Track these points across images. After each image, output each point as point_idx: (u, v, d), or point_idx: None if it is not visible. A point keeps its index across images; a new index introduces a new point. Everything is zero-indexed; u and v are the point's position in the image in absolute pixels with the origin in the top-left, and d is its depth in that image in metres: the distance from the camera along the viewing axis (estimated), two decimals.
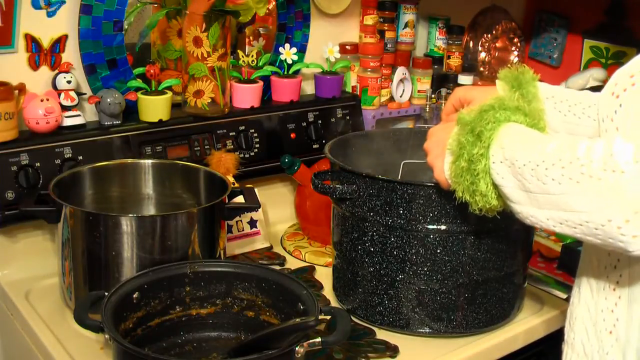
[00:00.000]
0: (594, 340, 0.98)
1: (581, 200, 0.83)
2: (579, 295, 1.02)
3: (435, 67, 2.01)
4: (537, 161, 0.88)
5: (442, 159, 1.06)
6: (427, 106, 1.95)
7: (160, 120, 1.50)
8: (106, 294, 1.06)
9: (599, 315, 0.97)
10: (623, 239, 0.82)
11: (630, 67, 0.86)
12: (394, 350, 1.22)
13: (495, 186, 0.97)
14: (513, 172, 0.92)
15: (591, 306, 0.99)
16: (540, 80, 1.17)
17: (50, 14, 1.41)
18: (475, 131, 0.98)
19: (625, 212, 0.80)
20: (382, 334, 1.27)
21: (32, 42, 1.40)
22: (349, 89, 1.86)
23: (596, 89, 1.92)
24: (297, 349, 0.98)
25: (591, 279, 0.99)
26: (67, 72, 1.43)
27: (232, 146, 1.57)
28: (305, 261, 1.54)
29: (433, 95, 1.96)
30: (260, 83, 1.65)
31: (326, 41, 1.77)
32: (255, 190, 1.40)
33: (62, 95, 1.41)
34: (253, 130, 1.61)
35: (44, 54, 1.42)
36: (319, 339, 1.00)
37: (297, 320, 1.01)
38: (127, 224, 1.19)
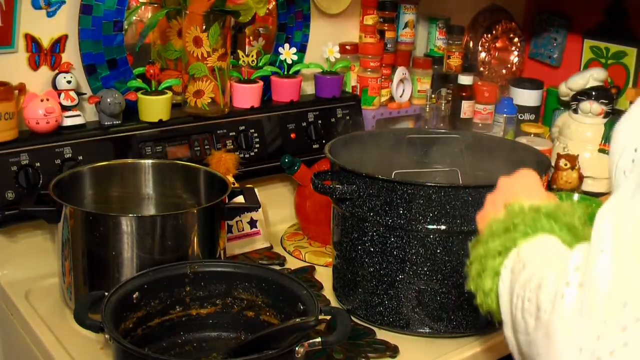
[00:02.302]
0: None
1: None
2: None
3: (435, 67, 2.01)
4: (530, 278, 0.75)
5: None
6: (427, 106, 1.95)
7: (160, 120, 1.50)
8: (106, 294, 1.06)
9: None
10: None
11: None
12: (394, 350, 1.22)
13: None
14: (512, 286, 0.80)
15: None
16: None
17: (50, 14, 1.41)
18: (505, 225, 0.87)
19: None
20: (382, 334, 1.27)
21: (32, 42, 1.40)
22: (349, 89, 1.86)
23: (596, 88, 1.93)
24: (297, 349, 0.98)
25: None
26: (67, 72, 1.43)
27: (232, 146, 1.57)
28: (305, 261, 1.54)
29: (433, 95, 1.96)
30: (260, 83, 1.65)
31: (326, 41, 1.77)
32: (255, 190, 1.40)
33: (62, 95, 1.41)
34: (253, 130, 1.61)
35: (44, 54, 1.42)
36: (319, 339, 1.00)
37: (297, 320, 1.01)
38: (127, 224, 1.19)
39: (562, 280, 0.67)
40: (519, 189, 0.93)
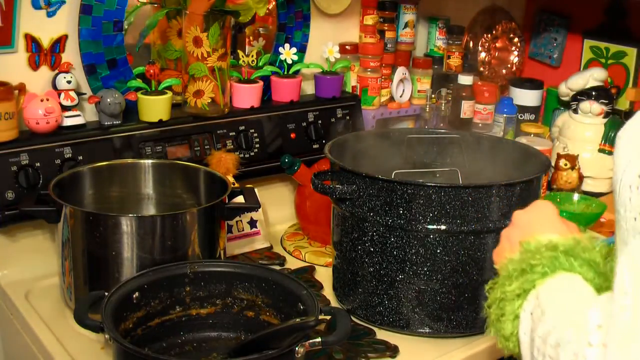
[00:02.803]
0: None
1: None
2: None
3: (435, 67, 2.01)
4: (549, 332, 0.71)
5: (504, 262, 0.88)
6: (427, 106, 1.95)
7: (160, 120, 1.50)
8: (106, 294, 1.06)
9: None
10: None
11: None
12: (394, 350, 1.22)
13: None
14: (532, 335, 0.76)
15: None
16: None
17: (50, 14, 1.41)
18: (521, 266, 0.82)
19: None
20: (382, 334, 1.27)
21: (32, 42, 1.40)
22: (349, 89, 1.86)
23: (596, 88, 1.93)
24: (297, 349, 0.98)
25: None
26: (67, 72, 1.43)
27: (232, 146, 1.57)
28: (305, 261, 1.54)
29: (433, 95, 1.96)
30: (260, 83, 1.65)
31: (326, 41, 1.77)
32: (255, 190, 1.40)
33: (62, 95, 1.41)
34: (253, 130, 1.61)
35: (44, 54, 1.42)
36: (319, 339, 1.00)
37: (297, 320, 1.01)
38: (127, 224, 1.19)
39: (583, 339, 0.64)
40: (535, 224, 0.89)
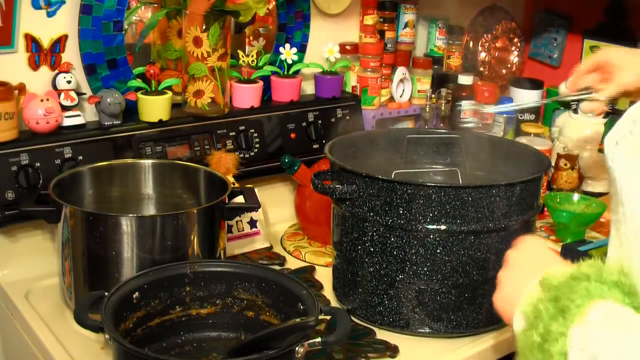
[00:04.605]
0: None
1: None
2: None
3: (435, 67, 2.01)
4: None
5: (512, 307, 0.87)
6: (427, 106, 1.95)
7: (160, 120, 1.50)
8: (106, 294, 1.06)
9: None
10: None
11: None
12: (394, 350, 1.22)
13: None
14: None
15: None
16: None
17: (50, 14, 1.41)
18: (559, 303, 0.80)
19: None
20: (382, 334, 1.27)
21: (32, 42, 1.40)
22: (349, 89, 1.86)
23: None
24: (297, 349, 0.98)
25: None
26: (67, 72, 1.43)
27: (232, 146, 1.57)
28: (305, 261, 1.54)
29: (433, 95, 1.96)
30: (260, 83, 1.65)
31: (326, 41, 1.77)
32: (255, 190, 1.40)
33: (62, 95, 1.41)
34: (253, 130, 1.61)
35: (44, 54, 1.42)
36: (319, 339, 1.00)
37: (297, 320, 1.01)
38: (127, 224, 1.19)
39: None
40: (534, 260, 0.89)
